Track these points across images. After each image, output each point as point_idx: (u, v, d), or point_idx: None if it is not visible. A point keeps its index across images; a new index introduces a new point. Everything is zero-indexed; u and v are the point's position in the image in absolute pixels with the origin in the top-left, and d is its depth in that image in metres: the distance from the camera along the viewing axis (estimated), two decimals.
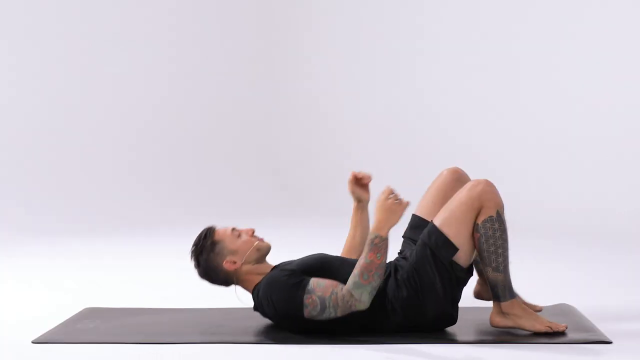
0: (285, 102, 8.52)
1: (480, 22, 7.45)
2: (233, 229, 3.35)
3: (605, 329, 3.30)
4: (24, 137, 7.20)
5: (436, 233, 3.23)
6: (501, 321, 3.27)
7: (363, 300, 3.12)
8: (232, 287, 3.38)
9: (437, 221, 3.26)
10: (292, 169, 8.26)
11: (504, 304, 3.26)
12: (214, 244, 3.30)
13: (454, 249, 3.22)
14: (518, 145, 7.12)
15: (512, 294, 3.26)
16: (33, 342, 3.24)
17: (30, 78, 7.34)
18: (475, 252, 3.29)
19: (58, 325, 3.47)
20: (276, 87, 8.54)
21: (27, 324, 3.55)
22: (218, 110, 8.33)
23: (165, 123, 8.03)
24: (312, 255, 3.38)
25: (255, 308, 3.33)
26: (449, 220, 3.24)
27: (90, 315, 3.66)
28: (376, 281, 3.13)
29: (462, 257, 3.25)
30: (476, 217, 3.23)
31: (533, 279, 4.53)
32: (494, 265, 3.23)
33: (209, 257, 3.30)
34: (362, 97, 8.13)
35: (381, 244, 3.14)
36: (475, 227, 3.23)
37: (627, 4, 6.62)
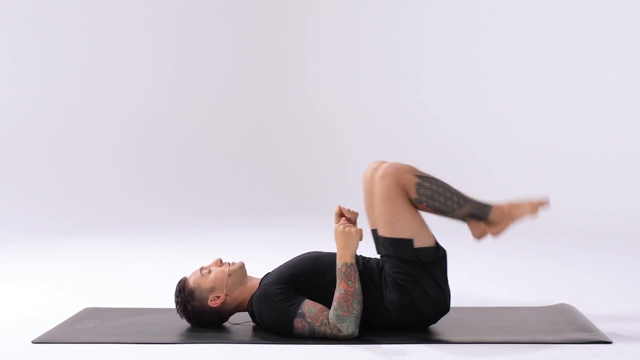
0: (285, 102, 8.52)
1: (480, 22, 7.45)
2: (201, 269, 3.38)
3: (605, 329, 3.30)
4: (24, 137, 7.20)
5: (387, 241, 3.27)
6: (497, 229, 3.36)
7: (350, 332, 3.16)
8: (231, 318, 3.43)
9: (381, 230, 3.29)
10: (292, 169, 8.26)
11: (490, 217, 3.35)
12: (191, 292, 3.34)
13: (409, 242, 3.24)
14: (518, 145, 7.12)
15: (488, 205, 3.35)
16: (33, 342, 3.24)
17: (31, 78, 7.34)
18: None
19: (58, 325, 3.47)
20: (277, 87, 8.54)
21: (27, 324, 3.55)
22: (219, 111, 8.34)
23: (166, 124, 8.03)
24: (301, 256, 3.40)
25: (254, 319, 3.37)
26: (387, 221, 3.27)
27: (90, 315, 3.66)
28: (357, 309, 3.17)
29: (421, 239, 3.27)
30: (407, 197, 3.26)
31: (533, 279, 4.53)
32: (455, 207, 3.30)
33: (194, 307, 3.34)
34: (362, 97, 8.13)
35: (349, 271, 3.18)
36: (415, 202, 3.26)
37: (626, 3, 6.62)
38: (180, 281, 3.38)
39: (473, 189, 7.02)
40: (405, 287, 3.24)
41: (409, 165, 3.30)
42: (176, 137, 8.05)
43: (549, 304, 3.77)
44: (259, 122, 8.47)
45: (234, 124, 8.38)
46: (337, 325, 3.15)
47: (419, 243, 3.26)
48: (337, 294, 3.17)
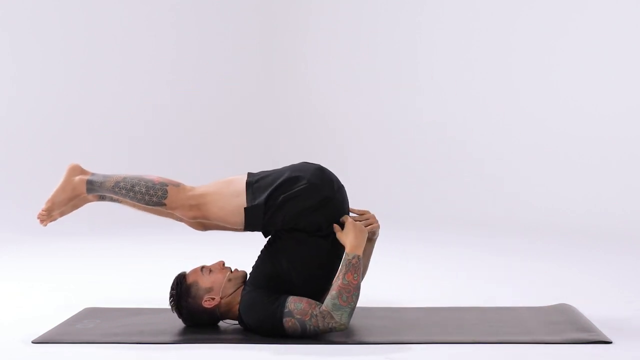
0: (285, 102, 8.52)
1: (480, 22, 7.45)
2: (203, 267, 3.38)
3: (605, 329, 3.31)
4: (24, 137, 7.20)
5: (249, 227, 3.35)
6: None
7: (343, 322, 3.17)
8: (220, 323, 3.42)
9: (235, 228, 3.38)
10: None
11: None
12: (188, 288, 3.33)
13: (246, 208, 3.32)
14: (518, 145, 7.11)
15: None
16: (33, 342, 3.24)
17: (31, 78, 7.33)
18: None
19: (58, 325, 3.47)
20: (277, 87, 8.54)
21: (27, 324, 3.55)
22: (218, 111, 8.33)
23: (166, 124, 8.03)
24: (261, 256, 3.39)
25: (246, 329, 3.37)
26: (226, 219, 3.38)
27: (90, 315, 3.66)
28: (354, 302, 3.18)
29: (242, 193, 3.35)
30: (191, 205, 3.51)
31: (533, 279, 4.53)
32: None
33: (188, 303, 3.33)
34: (362, 97, 8.13)
35: (358, 264, 3.21)
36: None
37: (626, 3, 6.62)
38: (178, 275, 3.38)
39: (473, 189, 7.04)
40: (284, 206, 3.28)
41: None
42: (176, 137, 8.04)
43: (549, 304, 3.77)
44: (259, 122, 8.47)
45: (234, 124, 8.38)
46: (331, 312, 3.15)
47: (240, 193, 3.35)
48: (340, 283, 3.18)
